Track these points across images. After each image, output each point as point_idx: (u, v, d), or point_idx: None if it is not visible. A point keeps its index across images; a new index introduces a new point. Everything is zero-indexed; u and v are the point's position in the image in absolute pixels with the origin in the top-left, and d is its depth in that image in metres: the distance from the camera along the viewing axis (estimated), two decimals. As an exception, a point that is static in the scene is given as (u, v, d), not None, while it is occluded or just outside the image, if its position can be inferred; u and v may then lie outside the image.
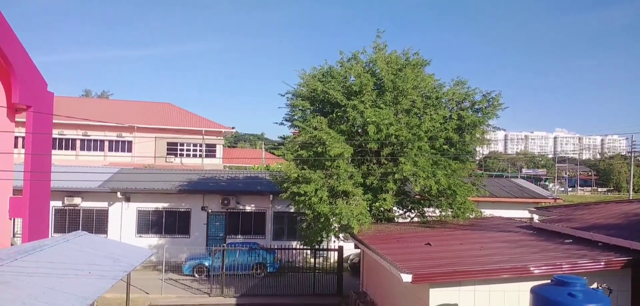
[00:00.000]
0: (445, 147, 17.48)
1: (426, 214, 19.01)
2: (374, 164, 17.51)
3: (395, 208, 18.97)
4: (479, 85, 22.01)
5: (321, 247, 20.74)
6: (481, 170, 43.57)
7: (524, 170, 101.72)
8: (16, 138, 18.35)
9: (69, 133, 46.46)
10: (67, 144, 46.87)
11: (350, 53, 19.18)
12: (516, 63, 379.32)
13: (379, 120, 16.40)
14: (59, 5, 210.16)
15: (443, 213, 18.23)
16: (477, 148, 20.40)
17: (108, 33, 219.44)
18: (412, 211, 19.57)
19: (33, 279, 11.41)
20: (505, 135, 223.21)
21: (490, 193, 25.59)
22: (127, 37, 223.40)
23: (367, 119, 16.41)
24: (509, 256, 11.11)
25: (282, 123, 19.82)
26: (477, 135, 18.32)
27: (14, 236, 22.68)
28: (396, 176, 16.47)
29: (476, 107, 18.29)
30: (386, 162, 17.08)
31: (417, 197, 19.08)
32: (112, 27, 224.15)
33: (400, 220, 19.45)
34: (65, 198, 24.63)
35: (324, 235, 18.30)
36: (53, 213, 24.21)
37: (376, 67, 18.42)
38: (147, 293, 19.82)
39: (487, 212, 21.15)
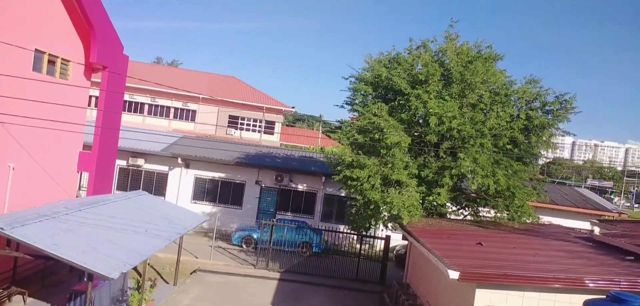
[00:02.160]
0: (509, 146, 16.86)
1: (480, 214, 18.54)
2: (431, 157, 17.20)
3: (448, 203, 18.59)
4: (551, 86, 20.93)
5: (368, 234, 20.68)
6: (543, 175, 41.87)
7: (589, 181, 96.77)
8: (90, 97, 19.33)
9: (139, 98, 48.51)
10: (136, 108, 49.01)
11: (420, 41, 18.77)
12: (590, 66, 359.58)
13: (442, 112, 16.00)
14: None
15: (498, 215, 17.75)
16: (542, 152, 19.56)
17: (182, 4, 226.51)
18: (466, 209, 19.13)
19: (94, 230, 12.12)
20: (573, 142, 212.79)
21: (551, 199, 24.57)
22: (199, 10, 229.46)
23: (430, 110, 16.05)
24: (564, 266, 10.67)
25: (342, 106, 19.84)
26: (544, 138, 17.55)
27: (79, 189, 24.09)
28: (453, 171, 16.12)
29: (547, 108, 17.45)
30: (444, 156, 16.72)
31: (473, 195, 18.60)
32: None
33: (453, 217, 19.06)
34: (130, 158, 25.83)
35: (373, 223, 18.23)
36: (117, 171, 25.46)
37: (445, 57, 17.93)
38: (196, 258, 20.55)
39: (546, 219, 20.38)
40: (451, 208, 19.23)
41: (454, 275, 9.73)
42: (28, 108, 14.31)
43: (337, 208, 26.46)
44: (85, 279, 11.57)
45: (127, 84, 21.02)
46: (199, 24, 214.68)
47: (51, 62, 16.10)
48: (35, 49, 15.17)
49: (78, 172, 18.33)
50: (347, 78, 19.41)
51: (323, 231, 23.00)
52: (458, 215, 19.28)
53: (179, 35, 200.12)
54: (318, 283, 19.36)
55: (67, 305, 12.07)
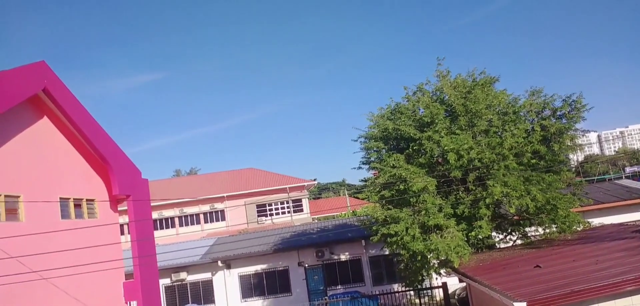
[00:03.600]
0: (534, 161, 16.72)
1: (529, 235, 18.11)
2: (461, 192, 17.06)
3: (493, 233, 18.23)
4: (558, 91, 20.93)
5: (424, 286, 20.21)
6: (579, 177, 40.91)
7: (627, 169, 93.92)
8: (121, 226, 19.89)
9: (167, 213, 49.44)
10: (167, 223, 49.85)
11: (415, 86, 19.18)
12: (591, 61, 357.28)
13: (457, 146, 16.05)
14: (142, 99, 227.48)
15: (547, 231, 17.31)
16: (570, 156, 19.26)
17: (189, 116, 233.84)
18: (513, 234, 18.70)
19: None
20: (599, 136, 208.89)
21: (595, 200, 23.93)
22: (207, 115, 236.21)
23: (445, 148, 16.12)
24: (631, 266, 10.33)
25: (360, 168, 19.94)
26: (567, 142, 17.38)
27: (131, 318, 24.18)
28: (487, 200, 15.90)
29: (558, 113, 17.40)
30: (474, 188, 16.58)
31: (515, 218, 18.24)
32: (190, 110, 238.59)
33: (502, 246, 18.63)
34: (172, 274, 26.05)
35: (424, 273, 17.86)
36: (163, 290, 25.63)
37: (443, 94, 18.22)
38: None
39: (596, 222, 19.81)
40: (498, 237, 18.85)
41: (521, 306, 9.49)
42: (66, 256, 14.74)
43: (385, 268, 26.01)
44: None
45: (153, 203, 21.59)
46: (207, 129, 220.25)
47: (77, 206, 16.71)
48: (60, 198, 15.80)
49: (126, 303, 18.53)
50: (356, 140, 19.67)
51: (379, 296, 22.53)
52: (507, 242, 18.86)
53: (191, 144, 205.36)
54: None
55: None
